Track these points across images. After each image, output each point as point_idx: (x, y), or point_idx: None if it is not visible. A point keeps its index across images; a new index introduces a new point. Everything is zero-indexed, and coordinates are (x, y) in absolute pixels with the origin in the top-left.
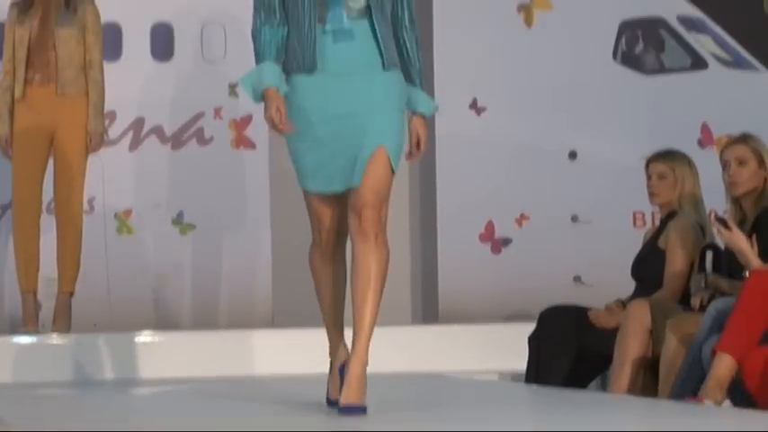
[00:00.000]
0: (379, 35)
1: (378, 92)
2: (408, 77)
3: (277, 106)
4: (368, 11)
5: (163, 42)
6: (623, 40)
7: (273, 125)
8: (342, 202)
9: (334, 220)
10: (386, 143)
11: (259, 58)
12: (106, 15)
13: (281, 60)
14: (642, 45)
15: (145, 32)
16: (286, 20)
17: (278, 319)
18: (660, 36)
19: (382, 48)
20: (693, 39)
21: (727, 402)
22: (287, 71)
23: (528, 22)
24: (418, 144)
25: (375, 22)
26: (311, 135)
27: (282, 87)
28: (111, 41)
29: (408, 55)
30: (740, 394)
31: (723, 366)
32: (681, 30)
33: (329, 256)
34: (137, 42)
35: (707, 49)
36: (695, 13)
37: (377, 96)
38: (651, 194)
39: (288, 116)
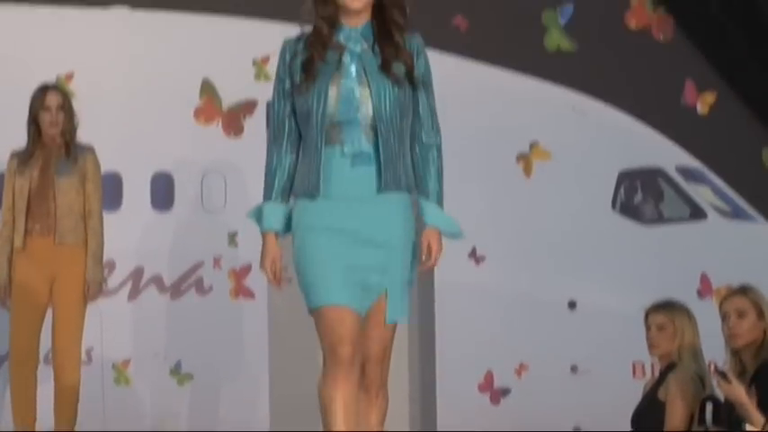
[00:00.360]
0: (382, 158)
1: (394, 224)
2: (425, 194)
3: (272, 258)
4: (377, 132)
5: (163, 192)
6: (622, 190)
7: (268, 278)
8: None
9: (355, 326)
10: (398, 291)
11: (264, 192)
12: (107, 165)
13: (285, 194)
14: (641, 195)
15: (145, 182)
16: (296, 145)
17: None
18: (659, 186)
19: (383, 172)
20: (692, 189)
21: None
22: (295, 194)
23: (527, 171)
24: (429, 253)
25: (381, 143)
26: (328, 247)
27: (281, 229)
28: (112, 191)
29: (425, 174)
30: None
31: None
32: (680, 180)
33: (353, 375)
34: (137, 192)
35: (706, 200)
36: (694, 163)
37: (393, 230)
38: (651, 346)
39: (298, 236)
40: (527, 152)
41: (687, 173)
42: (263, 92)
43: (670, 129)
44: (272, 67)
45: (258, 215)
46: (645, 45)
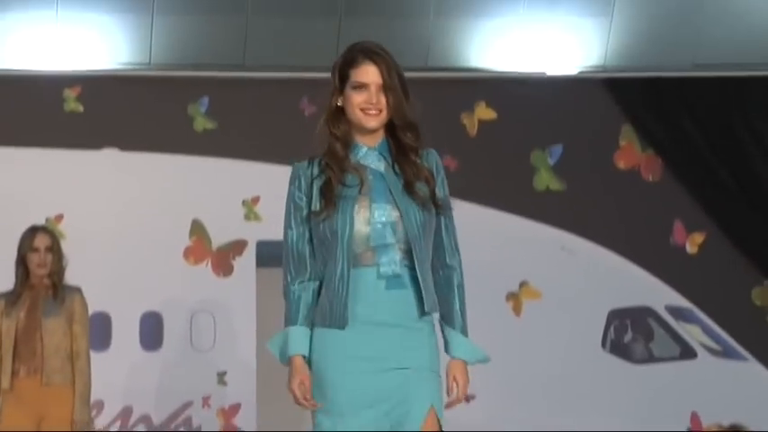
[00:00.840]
0: (421, 281)
1: (424, 348)
2: (449, 322)
3: (300, 380)
4: (409, 254)
5: (152, 331)
6: (612, 329)
7: (296, 399)
8: None
9: None
10: (435, 405)
11: (288, 320)
12: (96, 305)
13: (310, 322)
14: (631, 334)
15: (134, 322)
16: (319, 271)
17: None
18: (649, 325)
19: (424, 295)
20: (682, 328)
21: None
22: (315, 324)
23: (517, 310)
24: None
25: (418, 266)
26: (352, 382)
27: (308, 353)
28: (101, 330)
29: (450, 299)
30: None
31: None
32: (669, 319)
33: None
34: (126, 331)
35: (696, 339)
36: (684, 303)
37: (423, 354)
38: None
39: (321, 366)
40: (517, 291)
41: (677, 312)
42: (253, 232)
43: (659, 268)
44: (261, 208)
45: (282, 341)
46: (634, 185)
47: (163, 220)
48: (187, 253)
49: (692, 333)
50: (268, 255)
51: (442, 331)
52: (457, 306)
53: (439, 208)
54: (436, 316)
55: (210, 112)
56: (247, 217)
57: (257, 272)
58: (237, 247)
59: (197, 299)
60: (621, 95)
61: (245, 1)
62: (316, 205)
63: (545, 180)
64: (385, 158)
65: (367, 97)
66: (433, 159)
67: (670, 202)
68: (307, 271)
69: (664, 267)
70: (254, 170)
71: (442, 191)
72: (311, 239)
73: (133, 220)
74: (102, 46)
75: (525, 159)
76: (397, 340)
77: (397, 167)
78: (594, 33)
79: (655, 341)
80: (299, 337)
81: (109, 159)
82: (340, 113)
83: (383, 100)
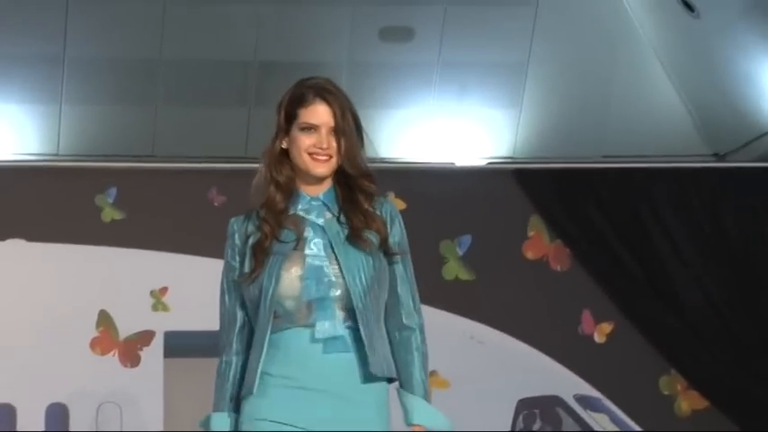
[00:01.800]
0: (366, 342)
1: (375, 419)
2: (408, 387)
3: None
4: (353, 312)
5: (58, 423)
6: (521, 419)
7: None
8: None
9: None
10: None
11: (215, 402)
12: (1, 396)
13: (235, 401)
14: (540, 423)
15: (39, 413)
16: (247, 344)
17: None
18: (557, 414)
19: (370, 358)
20: (590, 417)
21: None
22: (244, 396)
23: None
24: None
25: (362, 326)
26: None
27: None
28: (5, 422)
29: (408, 362)
30: None
31: None
32: (578, 408)
33: None
34: (31, 423)
35: (604, 428)
36: (592, 392)
37: (374, 425)
38: None
39: None
40: None
41: (585, 401)
42: (161, 322)
43: (568, 357)
44: (169, 298)
45: (206, 425)
46: (542, 275)
47: (69, 311)
48: (94, 343)
49: (600, 422)
50: (176, 345)
51: (400, 399)
52: (417, 373)
53: (391, 256)
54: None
55: (119, 202)
56: (155, 307)
57: (165, 362)
58: (145, 337)
59: (104, 390)
60: (530, 186)
61: (154, 91)
62: (246, 266)
63: (454, 270)
64: (329, 209)
65: (317, 140)
66: (388, 209)
67: (578, 291)
68: (233, 344)
69: (572, 357)
70: (162, 260)
71: (396, 239)
72: (244, 306)
73: (39, 311)
74: (9, 136)
75: (434, 249)
76: (330, 411)
77: (342, 218)
78: (504, 124)
79: (563, 430)
80: (218, 424)
81: (15, 250)
82: (283, 158)
83: (334, 144)
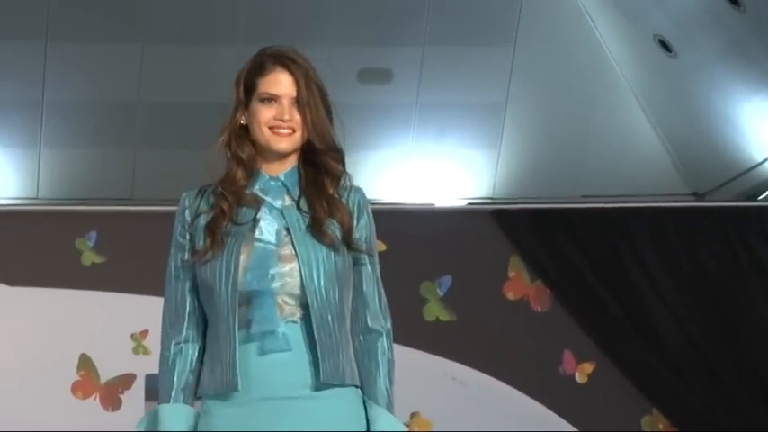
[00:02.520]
0: (318, 343)
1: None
2: (372, 396)
3: None
4: (308, 311)
5: None
6: None
7: None
8: None
9: None
10: None
11: (160, 394)
12: None
13: (189, 393)
14: None
15: None
16: (200, 332)
17: None
18: None
19: (321, 361)
20: None
21: None
22: (200, 396)
23: None
24: None
25: (315, 324)
26: None
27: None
28: None
29: (372, 369)
30: None
31: None
32: None
33: None
34: None
35: None
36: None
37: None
38: None
39: None
40: (408, 422)
41: None
42: (141, 365)
43: (550, 398)
44: (150, 341)
45: (152, 422)
46: (523, 315)
47: (50, 355)
48: (75, 387)
49: None
50: (157, 388)
51: (364, 405)
52: (381, 381)
53: (355, 251)
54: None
55: (99, 245)
56: (136, 351)
57: (146, 405)
58: (126, 380)
59: None
60: (510, 226)
61: (132, 134)
62: (199, 244)
63: (435, 311)
64: (289, 191)
65: (277, 112)
66: (356, 198)
67: (559, 331)
68: (185, 328)
69: (554, 397)
70: (142, 303)
71: (363, 233)
72: (195, 289)
73: (20, 355)
74: None
75: (415, 290)
76: (302, 420)
77: (304, 203)
78: (483, 165)
79: None
80: (172, 416)
81: None
82: (244, 133)
83: (297, 116)
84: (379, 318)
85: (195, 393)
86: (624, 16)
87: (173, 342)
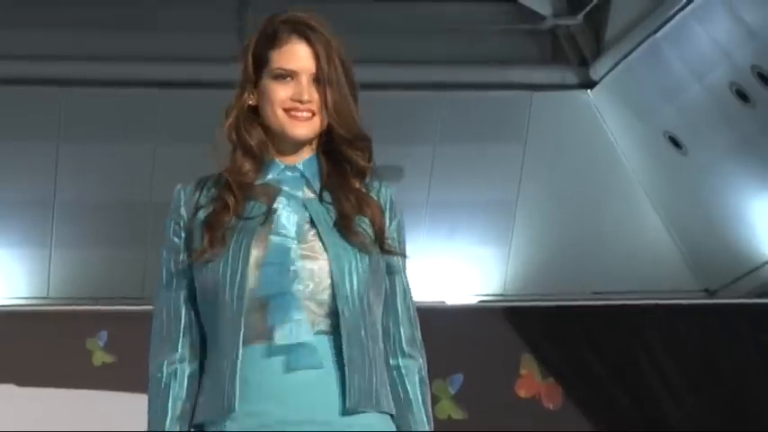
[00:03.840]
0: (346, 359)
1: None
2: (406, 427)
3: None
4: (337, 320)
5: None
6: None
7: None
8: None
9: None
10: None
11: (150, 424)
12: None
13: (185, 421)
14: None
15: None
16: (196, 350)
17: None
18: None
19: (348, 381)
20: None
21: None
22: (199, 424)
23: None
24: None
25: (345, 336)
26: None
27: None
28: None
29: (404, 392)
30: None
31: None
32: None
33: None
34: None
35: None
36: None
37: None
38: None
39: None
40: None
41: None
42: None
43: None
44: None
45: None
46: (535, 414)
47: None
48: None
49: None
50: None
51: None
52: (420, 413)
53: (388, 253)
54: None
55: (109, 345)
56: None
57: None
58: None
59: None
60: (521, 324)
61: (144, 234)
62: (197, 242)
63: (447, 409)
64: (308, 183)
65: (294, 92)
66: (387, 195)
67: (571, 430)
68: (180, 344)
69: None
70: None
71: (394, 237)
72: (192, 299)
73: None
74: None
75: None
76: None
77: (328, 196)
78: (493, 262)
79: None
80: None
81: (6, 395)
82: (253, 116)
83: (317, 96)
84: (415, 342)
85: (191, 423)
86: (634, 114)
87: (165, 362)
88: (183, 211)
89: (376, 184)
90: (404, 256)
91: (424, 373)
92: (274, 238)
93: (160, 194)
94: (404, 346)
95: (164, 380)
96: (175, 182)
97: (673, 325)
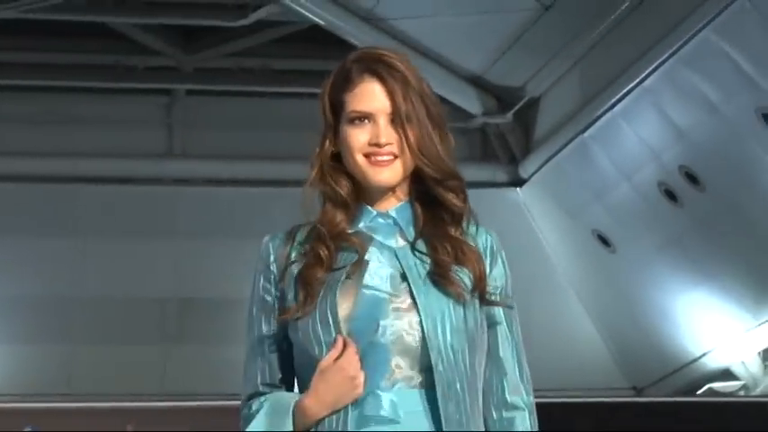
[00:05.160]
0: (444, 416)
1: None
2: None
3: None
4: (428, 372)
5: None
6: None
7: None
8: None
9: None
10: None
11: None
12: None
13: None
14: None
15: None
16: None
17: None
18: None
19: None
20: None
21: None
22: None
23: None
24: None
25: (441, 394)
26: None
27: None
28: None
29: None
30: None
31: None
32: None
33: None
34: None
35: None
36: None
37: None
38: None
39: None
40: None
41: None
42: None
43: None
44: None
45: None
46: None
47: None
48: None
49: None
50: None
51: None
52: None
53: (489, 304)
54: None
55: None
56: None
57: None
58: None
59: None
60: None
61: (70, 329)
62: (290, 299)
63: None
64: (401, 230)
65: (372, 135)
66: (488, 241)
67: None
68: (272, 383)
69: None
70: None
71: (498, 284)
72: (290, 361)
73: None
74: None
75: None
76: None
77: (421, 245)
78: None
79: None
80: (279, 408)
81: None
82: (337, 164)
83: (397, 137)
84: (519, 390)
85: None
86: (563, 212)
87: (255, 397)
88: (273, 266)
89: (475, 228)
90: (508, 306)
91: (531, 421)
92: (365, 292)
93: (89, 290)
94: (507, 396)
95: (255, 405)
96: (105, 277)
97: (601, 422)
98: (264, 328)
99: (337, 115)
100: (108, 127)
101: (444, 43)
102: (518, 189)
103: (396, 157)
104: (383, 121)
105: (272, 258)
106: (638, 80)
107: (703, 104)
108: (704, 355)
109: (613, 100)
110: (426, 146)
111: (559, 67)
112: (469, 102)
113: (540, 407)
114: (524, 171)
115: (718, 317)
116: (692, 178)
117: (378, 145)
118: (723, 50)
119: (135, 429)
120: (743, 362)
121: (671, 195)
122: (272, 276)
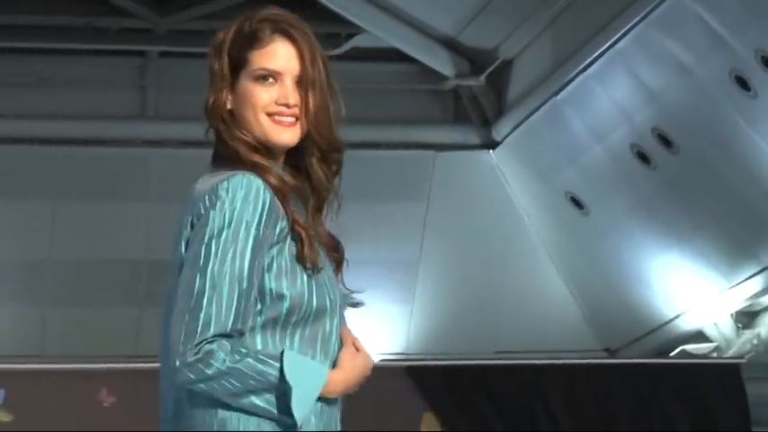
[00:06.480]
0: None
1: None
2: None
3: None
4: None
5: None
6: None
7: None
8: None
9: None
10: None
11: (256, 382)
12: None
13: None
14: None
15: None
16: None
17: None
18: None
19: None
20: None
21: None
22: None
23: None
24: None
25: None
26: None
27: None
28: None
29: None
30: None
31: None
32: None
33: None
34: None
35: None
36: None
37: None
38: None
39: None
40: None
41: None
42: None
43: None
44: None
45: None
46: None
47: None
48: None
49: None
50: None
51: None
52: None
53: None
54: None
55: (8, 404)
56: None
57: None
58: None
59: None
60: (423, 383)
61: (42, 291)
62: (293, 249)
63: None
64: None
65: (279, 94)
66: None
67: None
68: (242, 331)
69: None
70: None
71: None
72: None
73: None
74: None
75: None
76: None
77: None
78: (396, 321)
79: None
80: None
81: None
82: (231, 120)
83: (298, 99)
84: None
85: None
86: (536, 174)
87: (225, 339)
88: (282, 221)
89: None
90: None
91: None
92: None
93: (59, 252)
94: None
95: (241, 356)
96: (76, 239)
97: (574, 384)
98: (254, 272)
99: (235, 72)
100: (80, 88)
101: (417, 5)
102: (491, 151)
103: (297, 119)
104: (290, 82)
105: (274, 209)
106: (610, 42)
107: (676, 67)
108: (677, 316)
109: (586, 62)
110: (322, 114)
111: (532, 30)
112: (442, 64)
113: (512, 368)
114: (497, 134)
115: (691, 279)
116: (665, 140)
117: (286, 105)
118: (696, 12)
119: (109, 390)
120: (716, 323)
121: (644, 158)
122: (279, 228)
